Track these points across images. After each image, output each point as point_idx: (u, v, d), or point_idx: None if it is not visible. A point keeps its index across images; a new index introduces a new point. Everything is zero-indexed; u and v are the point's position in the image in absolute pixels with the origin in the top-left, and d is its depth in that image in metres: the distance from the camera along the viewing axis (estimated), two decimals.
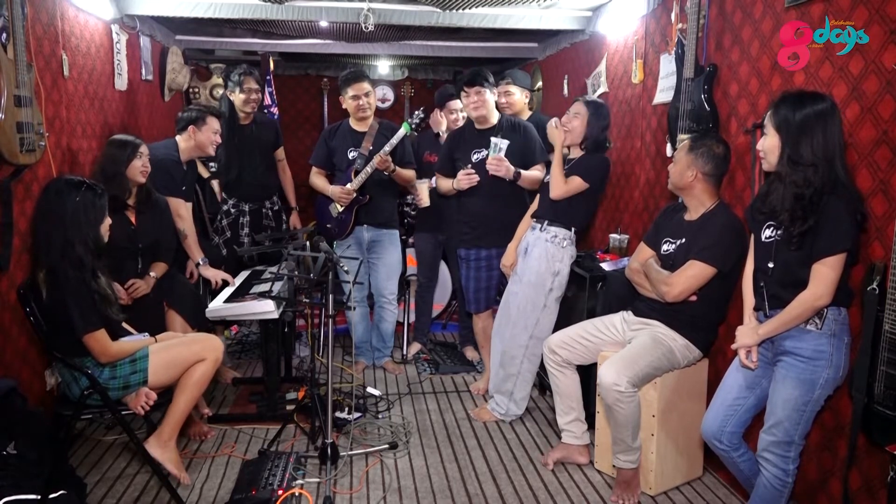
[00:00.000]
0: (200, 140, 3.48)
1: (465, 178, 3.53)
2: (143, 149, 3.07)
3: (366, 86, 3.77)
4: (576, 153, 3.23)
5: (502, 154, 3.41)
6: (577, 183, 3.12)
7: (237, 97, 3.97)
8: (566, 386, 2.99)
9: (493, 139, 3.43)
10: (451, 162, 3.65)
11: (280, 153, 4.29)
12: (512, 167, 3.42)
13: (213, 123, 3.52)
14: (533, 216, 3.36)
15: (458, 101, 3.99)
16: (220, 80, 5.60)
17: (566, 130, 3.17)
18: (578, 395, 3.01)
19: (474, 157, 3.58)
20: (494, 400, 3.47)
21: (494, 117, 3.59)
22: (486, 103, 3.52)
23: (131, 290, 3.02)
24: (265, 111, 5.93)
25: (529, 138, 3.59)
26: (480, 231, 3.57)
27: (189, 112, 3.53)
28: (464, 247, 3.68)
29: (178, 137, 3.51)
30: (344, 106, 3.85)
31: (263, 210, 4.12)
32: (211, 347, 2.72)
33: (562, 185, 3.13)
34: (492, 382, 3.52)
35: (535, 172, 3.48)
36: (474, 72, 3.54)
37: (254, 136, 4.06)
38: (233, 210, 4.05)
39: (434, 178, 3.85)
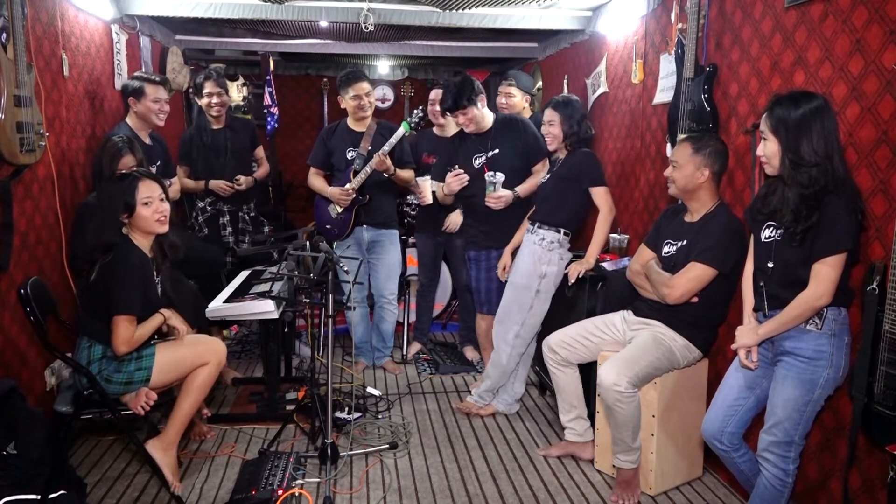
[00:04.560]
0: (141, 111, 3.42)
1: (455, 180, 3.57)
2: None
3: (366, 86, 3.76)
4: (562, 153, 3.27)
5: (499, 189, 3.44)
6: (601, 195, 3.17)
7: (202, 102, 3.97)
8: (566, 384, 2.99)
9: (487, 177, 3.45)
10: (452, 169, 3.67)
11: (259, 153, 4.24)
12: (511, 194, 3.46)
13: (154, 91, 3.42)
14: (528, 218, 3.40)
15: (439, 90, 4.04)
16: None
17: (550, 142, 3.23)
18: (579, 392, 3.01)
19: (476, 163, 3.57)
20: (478, 393, 3.56)
21: (488, 122, 3.57)
22: (475, 118, 3.48)
23: None
24: (265, 111, 5.94)
25: (528, 133, 3.57)
26: (490, 232, 3.58)
27: (129, 83, 3.46)
28: (473, 248, 3.67)
29: (127, 115, 3.48)
30: (343, 106, 3.84)
31: (240, 214, 4.10)
32: (214, 351, 2.71)
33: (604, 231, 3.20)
34: (483, 376, 3.59)
35: (529, 184, 3.50)
36: (453, 96, 3.38)
37: (226, 140, 4.00)
38: (209, 208, 4.03)
39: (430, 180, 3.91)
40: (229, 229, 4.05)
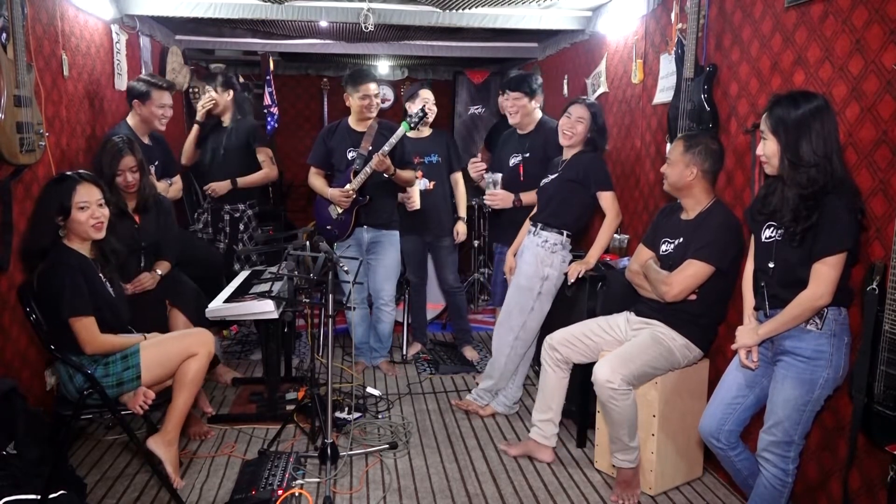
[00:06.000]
0: (144, 114, 3.45)
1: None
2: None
3: (374, 86, 3.80)
4: (568, 153, 3.26)
5: (497, 188, 3.55)
6: (609, 200, 3.19)
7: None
8: (552, 386, 3.00)
9: (486, 176, 3.60)
10: (499, 165, 3.81)
11: (261, 155, 4.20)
12: (511, 196, 3.54)
13: (160, 97, 3.45)
14: (530, 219, 3.40)
15: (427, 91, 4.15)
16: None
17: (569, 136, 3.20)
18: (561, 397, 3.02)
19: (511, 161, 3.71)
20: (477, 391, 3.58)
21: (533, 125, 3.66)
22: (523, 109, 3.61)
23: (137, 285, 3.03)
24: (265, 111, 5.94)
25: (550, 144, 3.57)
26: (513, 228, 3.62)
27: (135, 85, 3.49)
28: (498, 242, 3.89)
29: (128, 115, 3.50)
30: (348, 104, 3.84)
31: (222, 212, 4.13)
32: (202, 342, 2.69)
33: (609, 235, 3.22)
34: (483, 375, 3.61)
35: (532, 195, 3.51)
36: (519, 77, 3.66)
37: (224, 139, 4.06)
38: (205, 204, 4.20)
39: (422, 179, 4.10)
40: (199, 225, 4.17)
